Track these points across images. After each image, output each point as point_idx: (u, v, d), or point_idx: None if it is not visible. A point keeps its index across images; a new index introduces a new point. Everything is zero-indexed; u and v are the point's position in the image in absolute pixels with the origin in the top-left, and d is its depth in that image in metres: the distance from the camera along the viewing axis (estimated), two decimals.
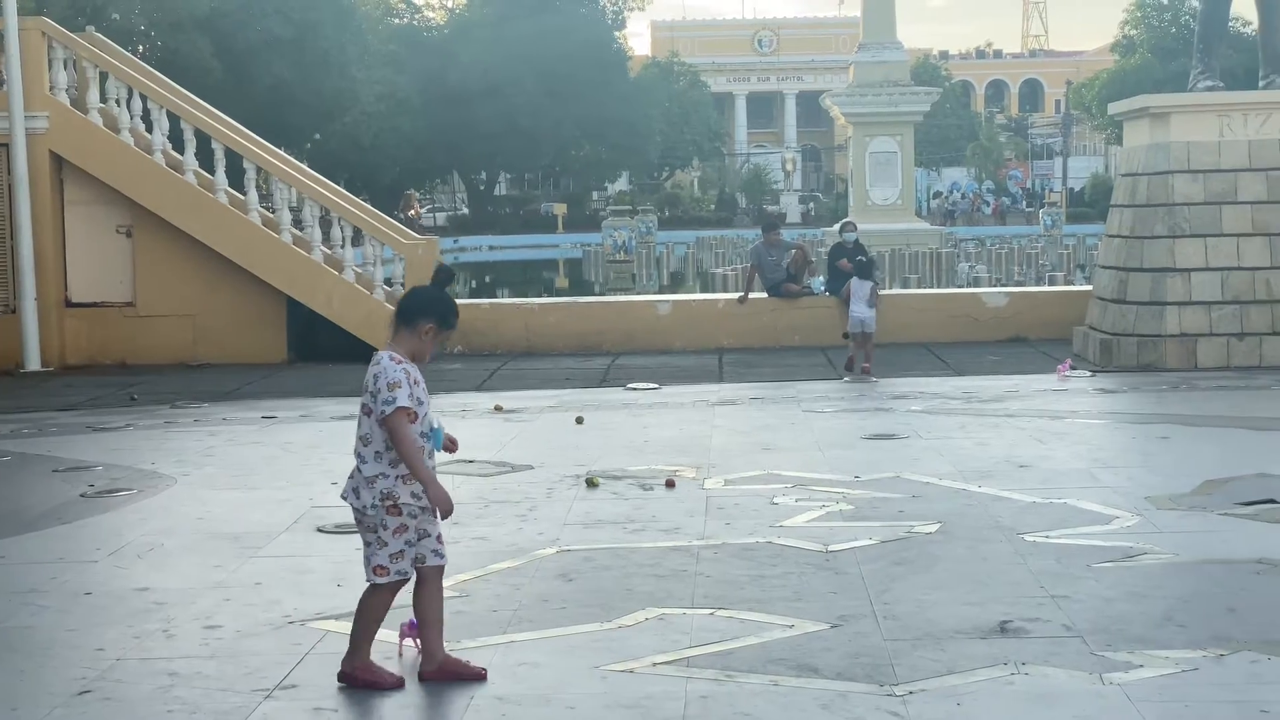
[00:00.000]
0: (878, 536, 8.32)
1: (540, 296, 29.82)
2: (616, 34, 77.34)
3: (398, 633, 6.31)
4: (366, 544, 5.94)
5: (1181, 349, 16.39)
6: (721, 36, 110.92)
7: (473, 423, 13.35)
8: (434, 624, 5.98)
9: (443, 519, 5.90)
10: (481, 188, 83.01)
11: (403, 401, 5.76)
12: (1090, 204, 72.94)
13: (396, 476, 5.83)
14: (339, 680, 5.93)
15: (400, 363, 5.86)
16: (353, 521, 8.86)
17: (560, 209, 78.27)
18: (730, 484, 10.04)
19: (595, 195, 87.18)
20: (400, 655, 6.22)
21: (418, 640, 6.17)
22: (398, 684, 5.92)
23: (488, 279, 54.60)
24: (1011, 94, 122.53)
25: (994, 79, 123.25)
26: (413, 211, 64.68)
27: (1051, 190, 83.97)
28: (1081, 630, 6.45)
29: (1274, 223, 16.52)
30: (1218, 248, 16.54)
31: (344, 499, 6.00)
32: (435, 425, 5.95)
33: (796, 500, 9.41)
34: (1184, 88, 18.52)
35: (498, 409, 14.00)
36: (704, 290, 37.48)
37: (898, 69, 38.41)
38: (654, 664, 6.10)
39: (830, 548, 8.08)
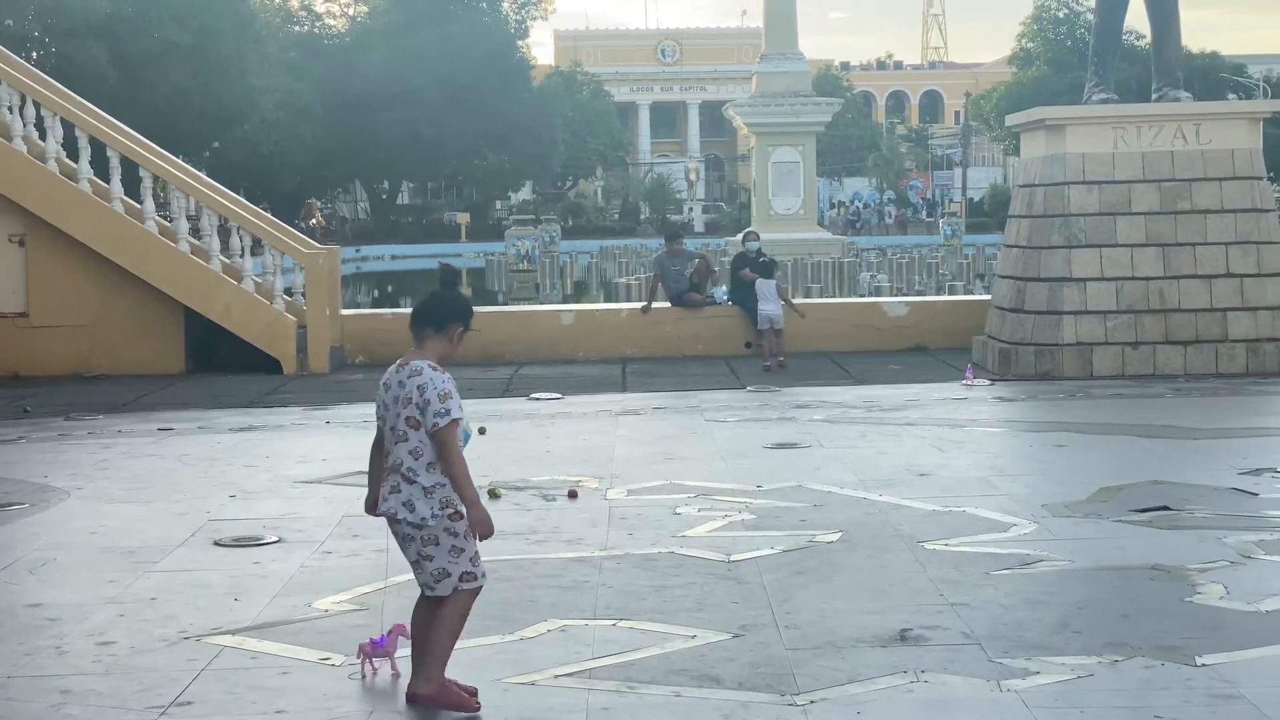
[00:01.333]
0: (780, 546, 8.35)
1: None
2: (519, 43, 77.30)
3: (357, 653, 6.20)
4: (427, 558, 5.65)
5: (1078, 358, 16.61)
6: (625, 46, 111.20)
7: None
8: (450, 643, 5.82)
9: (481, 540, 5.72)
10: (384, 197, 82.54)
11: (456, 413, 5.66)
12: (989, 214, 73.89)
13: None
14: (410, 702, 5.66)
15: (441, 371, 5.74)
16: (251, 535, 8.83)
17: (463, 218, 78.04)
18: (633, 494, 10.03)
19: (499, 204, 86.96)
20: (365, 677, 6.09)
21: (375, 662, 6.10)
22: (477, 707, 5.72)
23: (390, 289, 54.27)
24: (912, 105, 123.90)
25: (894, 90, 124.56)
26: (315, 220, 64.17)
27: (951, 200, 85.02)
28: (980, 637, 6.50)
29: (1167, 233, 16.80)
30: (1112, 258, 16.79)
31: (389, 514, 5.69)
32: (467, 429, 5.86)
33: (699, 510, 9.42)
34: (1080, 100, 18.79)
35: None
36: (608, 300, 37.49)
37: (800, 79, 38.62)
38: (555, 676, 6.07)
39: (732, 557, 8.09)
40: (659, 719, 5.60)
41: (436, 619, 5.68)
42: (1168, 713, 5.53)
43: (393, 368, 5.86)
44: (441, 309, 5.89)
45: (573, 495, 9.99)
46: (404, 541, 5.71)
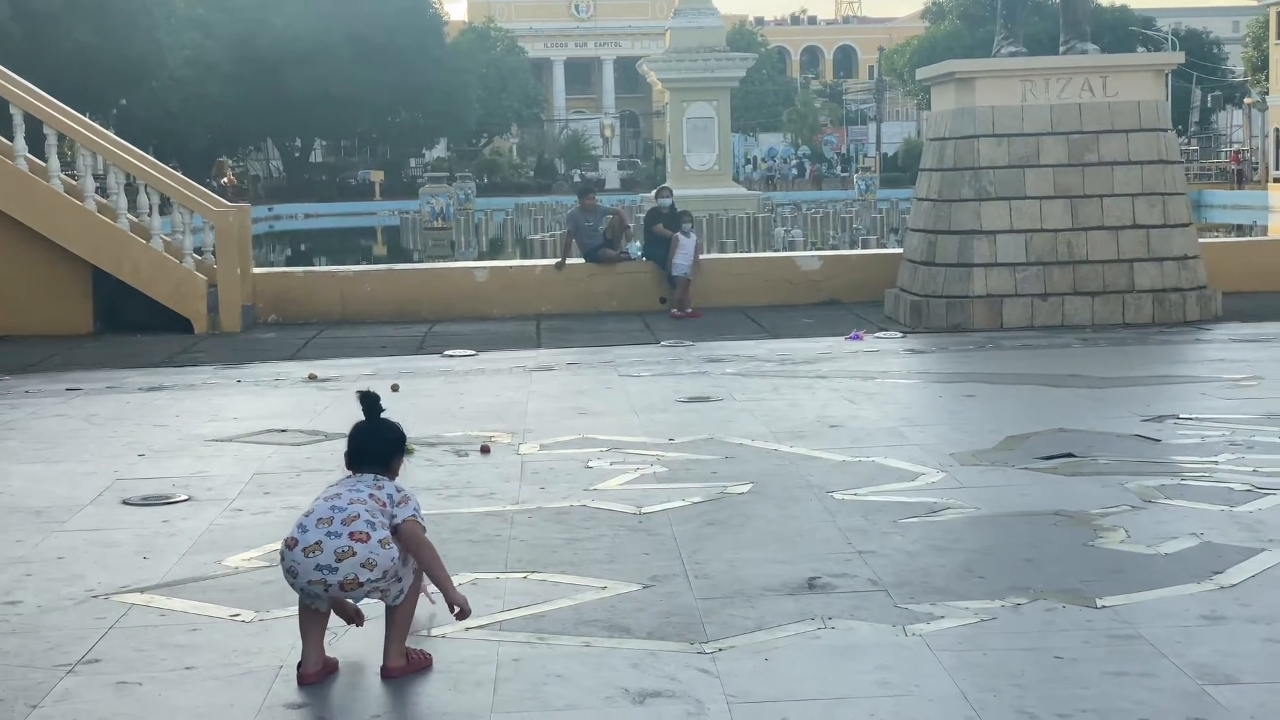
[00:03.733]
0: (691, 498, 8.40)
1: (358, 265, 29.51)
2: None
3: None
4: (389, 589, 5.54)
5: (988, 309, 16.79)
6: (538, 2, 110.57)
7: (286, 391, 13.18)
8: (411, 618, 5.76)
9: (460, 620, 5.71)
10: (296, 155, 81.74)
11: (421, 516, 5.61)
12: (903, 169, 74.41)
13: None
14: (386, 677, 5.57)
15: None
16: (160, 494, 8.76)
17: (377, 176, 77.46)
18: (545, 449, 10.05)
19: (413, 162, 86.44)
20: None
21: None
22: (431, 662, 5.73)
23: (303, 247, 53.88)
24: (826, 60, 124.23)
25: (809, 45, 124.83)
26: (226, 179, 63.46)
27: (865, 155, 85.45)
28: (886, 584, 6.59)
29: (1075, 185, 16.99)
30: (1021, 210, 16.96)
31: (346, 581, 5.41)
32: None
33: (611, 464, 9.45)
34: (991, 53, 18.93)
35: (312, 377, 13.83)
36: (523, 257, 37.42)
37: (714, 35, 38.61)
38: (466, 629, 6.08)
39: (644, 510, 8.13)
40: (569, 669, 5.63)
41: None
42: (1068, 653, 5.63)
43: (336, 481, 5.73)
44: (383, 445, 5.77)
45: (485, 450, 9.99)
46: (362, 596, 5.55)
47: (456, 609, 5.58)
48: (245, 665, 5.78)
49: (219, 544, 7.64)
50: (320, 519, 5.52)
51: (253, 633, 6.17)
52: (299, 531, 5.55)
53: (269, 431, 10.96)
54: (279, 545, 7.43)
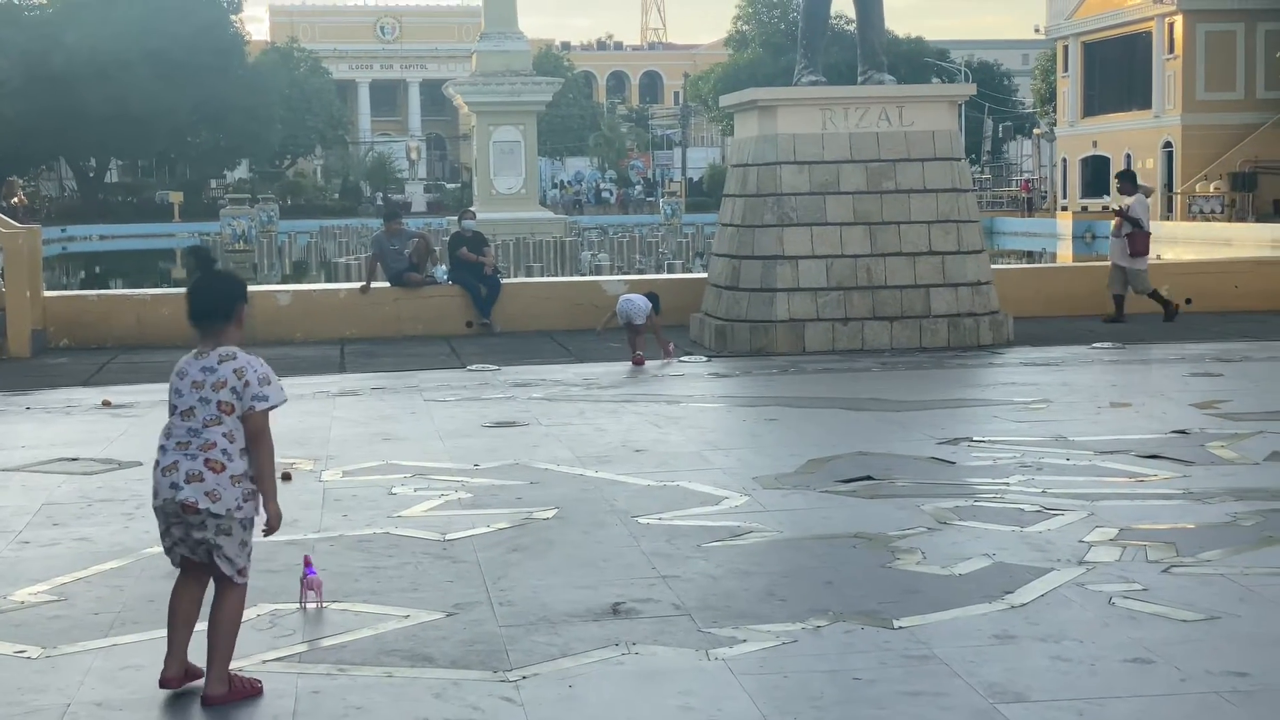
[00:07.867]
0: (496, 524, 8.36)
1: (156, 288, 28.82)
2: (233, 17, 75.59)
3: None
4: (216, 546, 5.49)
5: (791, 334, 17.03)
6: (343, 23, 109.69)
7: (78, 419, 12.79)
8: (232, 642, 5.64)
9: (267, 535, 5.70)
10: (91, 175, 79.70)
11: (276, 399, 5.53)
12: (709, 193, 75.34)
13: (250, 475, 5.54)
14: (206, 705, 5.44)
15: (258, 357, 5.59)
16: None
17: (176, 197, 75.90)
18: (348, 475, 9.92)
19: (214, 183, 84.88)
20: (305, 609, 6.43)
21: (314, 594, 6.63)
22: (261, 687, 5.63)
23: (98, 269, 52.47)
24: (632, 85, 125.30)
25: (615, 70, 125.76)
26: (16, 199, 61.59)
27: (671, 180, 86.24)
28: (690, 608, 6.62)
29: (873, 212, 17.33)
30: (823, 236, 17.25)
31: (186, 501, 5.41)
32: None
33: (415, 490, 9.36)
34: (792, 82, 19.22)
35: (106, 404, 13.46)
36: (328, 280, 36.95)
37: (520, 59, 38.67)
38: (264, 661, 5.96)
39: (448, 536, 8.07)
40: (370, 700, 5.55)
41: (215, 622, 5.56)
42: (866, 674, 5.72)
43: (188, 357, 5.58)
44: (224, 295, 5.63)
45: (286, 478, 9.79)
46: (190, 529, 5.49)
47: (270, 526, 5.61)
48: (31, 704, 5.58)
49: (4, 578, 7.38)
50: (179, 442, 5.50)
51: (39, 670, 5.96)
52: (160, 452, 5.57)
53: (59, 460, 10.63)
54: (68, 578, 7.27)
